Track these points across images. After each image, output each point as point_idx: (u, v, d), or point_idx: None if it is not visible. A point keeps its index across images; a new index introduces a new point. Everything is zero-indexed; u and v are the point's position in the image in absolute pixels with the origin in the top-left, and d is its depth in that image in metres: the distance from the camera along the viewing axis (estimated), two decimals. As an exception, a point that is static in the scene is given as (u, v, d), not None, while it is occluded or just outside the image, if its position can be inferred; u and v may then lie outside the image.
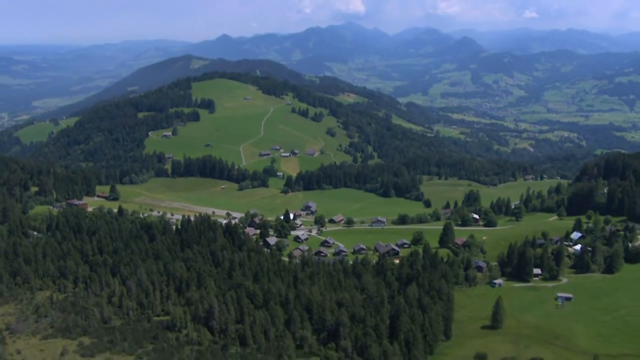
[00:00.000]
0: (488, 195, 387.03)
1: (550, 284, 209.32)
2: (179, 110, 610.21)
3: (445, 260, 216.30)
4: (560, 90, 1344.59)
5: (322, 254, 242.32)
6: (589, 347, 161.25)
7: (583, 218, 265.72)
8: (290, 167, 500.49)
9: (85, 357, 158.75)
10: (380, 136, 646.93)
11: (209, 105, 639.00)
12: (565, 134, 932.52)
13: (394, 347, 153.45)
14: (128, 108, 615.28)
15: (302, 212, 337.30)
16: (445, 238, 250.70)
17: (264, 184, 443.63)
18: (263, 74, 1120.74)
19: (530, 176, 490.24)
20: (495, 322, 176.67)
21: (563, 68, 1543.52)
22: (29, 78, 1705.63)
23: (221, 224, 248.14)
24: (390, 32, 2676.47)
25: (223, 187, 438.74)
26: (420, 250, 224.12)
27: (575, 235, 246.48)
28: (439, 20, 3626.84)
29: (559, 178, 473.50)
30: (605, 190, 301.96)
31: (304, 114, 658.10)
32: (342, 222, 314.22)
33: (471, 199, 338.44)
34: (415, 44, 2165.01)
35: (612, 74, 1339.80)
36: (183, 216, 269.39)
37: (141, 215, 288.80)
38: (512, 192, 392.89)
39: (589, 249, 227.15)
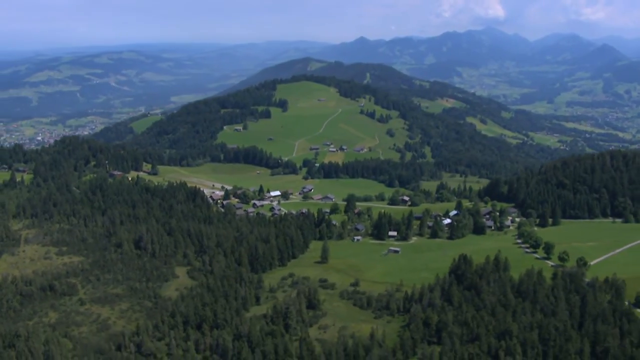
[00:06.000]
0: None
1: (397, 242, 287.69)
2: (255, 109, 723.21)
3: (326, 220, 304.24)
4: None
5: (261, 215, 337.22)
6: (367, 276, 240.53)
7: (476, 204, 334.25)
8: (333, 161, 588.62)
9: (58, 255, 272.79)
10: (445, 139, 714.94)
11: (283, 104, 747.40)
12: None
13: (228, 260, 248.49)
14: (214, 105, 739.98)
15: (298, 192, 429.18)
16: (347, 208, 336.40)
17: (294, 172, 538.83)
18: (373, 77, 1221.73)
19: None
20: (323, 259, 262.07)
21: None
22: (172, 75, 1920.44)
23: (190, 188, 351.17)
24: (531, 37, 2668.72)
25: (258, 172, 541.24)
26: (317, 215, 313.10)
27: (453, 212, 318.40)
28: (583, 27, 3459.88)
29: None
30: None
31: (371, 115, 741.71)
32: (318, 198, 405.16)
33: (440, 189, 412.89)
34: (553, 50, 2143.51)
35: None
36: (170, 182, 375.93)
37: (157, 184, 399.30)
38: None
39: (447, 221, 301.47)
